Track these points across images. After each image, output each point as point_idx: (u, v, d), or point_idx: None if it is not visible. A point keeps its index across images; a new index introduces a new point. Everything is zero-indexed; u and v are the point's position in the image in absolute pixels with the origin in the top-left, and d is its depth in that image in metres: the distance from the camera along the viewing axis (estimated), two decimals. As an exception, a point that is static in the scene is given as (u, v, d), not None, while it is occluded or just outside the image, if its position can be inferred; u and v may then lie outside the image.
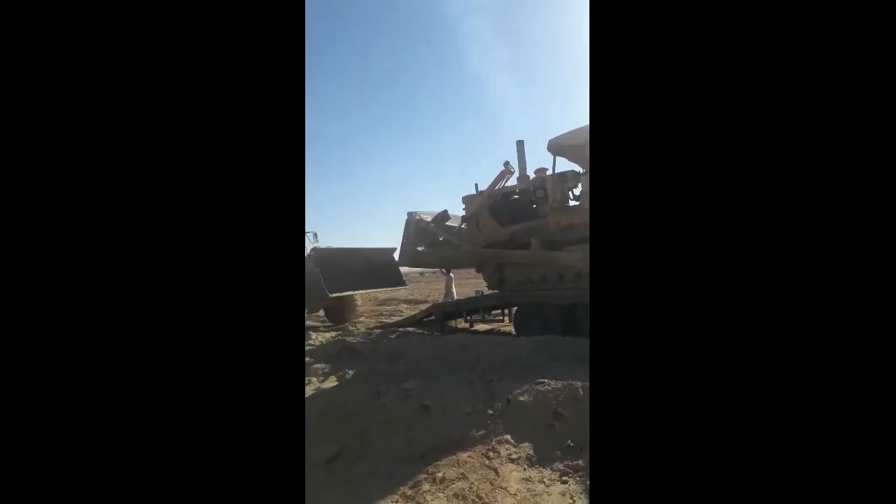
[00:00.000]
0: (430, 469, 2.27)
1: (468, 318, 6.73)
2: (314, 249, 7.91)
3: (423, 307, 10.55)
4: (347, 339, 5.19)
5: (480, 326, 6.98)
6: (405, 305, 11.94)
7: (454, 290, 9.26)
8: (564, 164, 6.37)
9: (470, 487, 2.09)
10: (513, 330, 6.73)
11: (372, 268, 8.19)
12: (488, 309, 6.61)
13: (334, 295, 7.40)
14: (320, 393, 3.31)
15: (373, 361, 4.18)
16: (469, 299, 6.80)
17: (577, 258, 5.38)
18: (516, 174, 6.68)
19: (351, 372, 3.75)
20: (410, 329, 6.61)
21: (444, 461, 2.35)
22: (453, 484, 2.13)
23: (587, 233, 5.57)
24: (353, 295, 8.48)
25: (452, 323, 6.99)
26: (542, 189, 6.17)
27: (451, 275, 9.05)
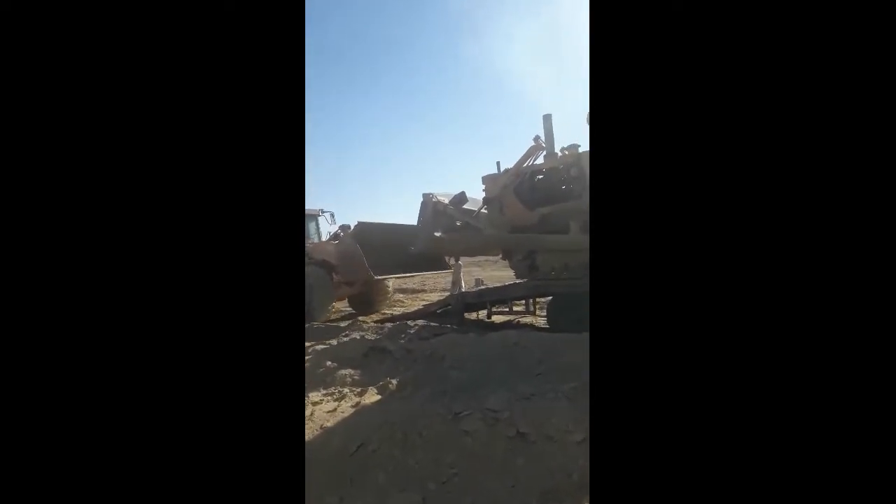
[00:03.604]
0: (568, 534, 1.60)
1: (490, 309, 6.06)
2: (342, 227, 6.83)
3: (427, 297, 9.86)
4: (366, 336, 4.43)
5: (497, 318, 6.34)
6: (401, 295, 11.15)
7: (462, 278, 8.57)
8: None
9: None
10: (535, 322, 6.15)
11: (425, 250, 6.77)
12: (515, 299, 5.94)
13: (379, 278, 6.33)
14: (366, 412, 2.56)
15: (411, 365, 3.46)
16: (494, 289, 6.13)
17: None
18: (543, 151, 6.03)
19: (394, 381, 3.02)
20: (421, 322, 5.91)
21: (580, 518, 1.67)
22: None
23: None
24: (385, 279, 7.35)
25: (473, 315, 6.33)
26: (578, 167, 5.50)
27: (460, 262, 8.36)
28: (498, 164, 6.24)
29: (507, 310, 6.16)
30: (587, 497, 1.80)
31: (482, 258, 11.47)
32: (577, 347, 3.39)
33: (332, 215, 8.20)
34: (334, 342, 4.29)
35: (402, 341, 4.20)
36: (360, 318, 6.78)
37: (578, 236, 5.18)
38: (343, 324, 6.25)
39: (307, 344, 4.37)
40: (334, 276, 7.10)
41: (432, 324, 5.74)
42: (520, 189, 5.88)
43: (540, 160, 5.94)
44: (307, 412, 2.70)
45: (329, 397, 2.90)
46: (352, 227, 6.91)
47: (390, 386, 2.94)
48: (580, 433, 2.10)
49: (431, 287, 12.14)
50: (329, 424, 2.48)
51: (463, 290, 7.54)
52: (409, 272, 7.14)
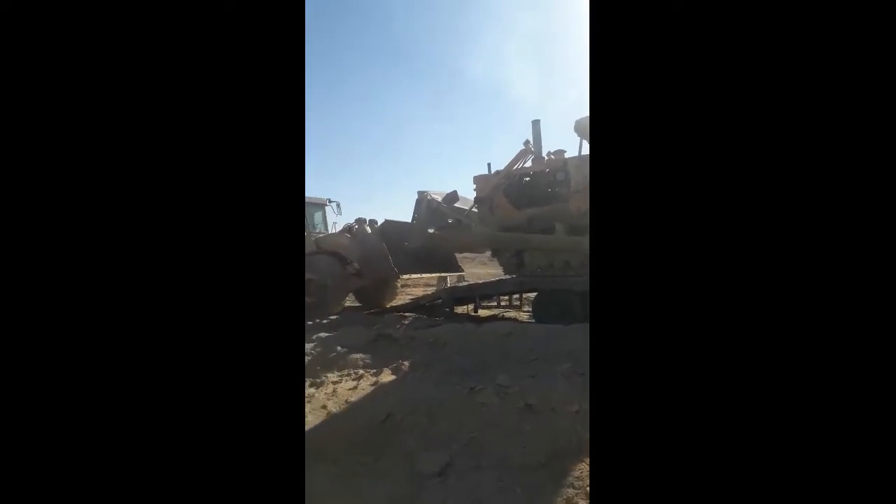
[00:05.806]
0: (575, 482, 1.96)
1: (478, 303, 6.41)
2: (357, 220, 7.06)
3: (411, 292, 10.11)
4: (373, 327, 4.70)
5: (483, 312, 6.71)
6: (385, 289, 11.35)
7: (448, 275, 8.90)
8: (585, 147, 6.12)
9: (637, 504, 1.80)
10: (518, 316, 6.55)
11: (432, 250, 7.02)
12: (502, 294, 6.32)
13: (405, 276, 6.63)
14: (387, 388, 2.86)
15: (416, 351, 3.76)
16: (484, 284, 6.48)
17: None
18: (532, 155, 6.41)
19: (406, 363, 3.32)
20: (410, 315, 6.20)
21: (580, 472, 2.04)
22: (615, 500, 1.82)
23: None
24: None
25: (461, 309, 6.66)
26: (564, 171, 5.90)
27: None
28: (489, 165, 6.60)
29: (493, 304, 6.52)
30: (587, 457, 2.17)
31: (467, 255, 11.76)
32: (563, 337, 3.78)
33: (339, 205, 8.30)
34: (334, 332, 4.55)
35: (401, 331, 4.49)
36: (367, 311, 6.97)
37: (563, 237, 5.59)
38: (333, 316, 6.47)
39: (322, 334, 4.56)
40: (346, 267, 7.14)
41: (422, 316, 6.03)
42: (509, 190, 6.25)
43: (528, 163, 6.33)
44: (329, 390, 2.98)
45: (346, 377, 3.18)
46: (367, 221, 7.25)
47: (403, 367, 3.25)
48: (575, 406, 2.48)
49: (414, 282, 12.40)
50: (353, 399, 2.76)
51: (449, 285, 7.88)
52: (428, 272, 7.42)
